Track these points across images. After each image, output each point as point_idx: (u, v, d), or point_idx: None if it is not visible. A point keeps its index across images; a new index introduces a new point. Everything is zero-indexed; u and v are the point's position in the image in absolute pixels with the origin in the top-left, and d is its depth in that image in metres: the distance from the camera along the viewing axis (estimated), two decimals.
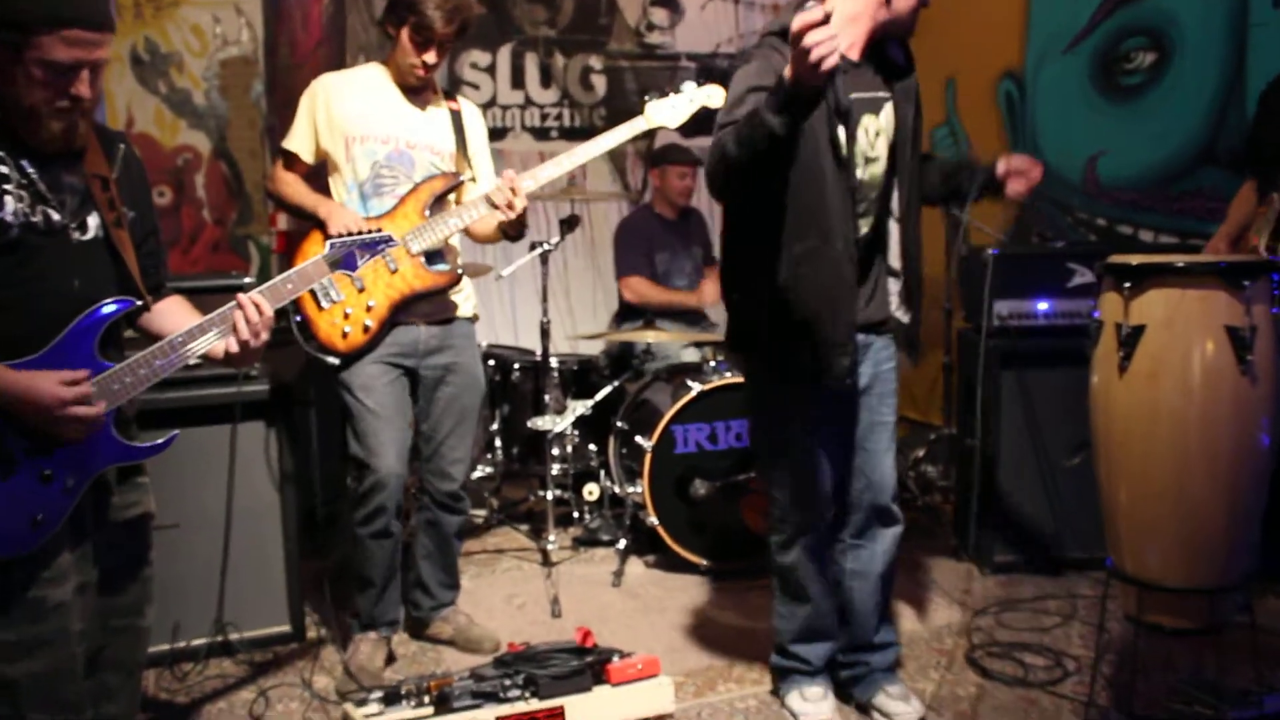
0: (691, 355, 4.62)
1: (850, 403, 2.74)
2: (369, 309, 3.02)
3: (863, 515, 2.81)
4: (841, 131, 2.51)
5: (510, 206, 2.97)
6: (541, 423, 4.15)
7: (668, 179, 4.84)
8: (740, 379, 3.90)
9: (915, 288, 2.74)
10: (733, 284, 2.74)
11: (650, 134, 3.28)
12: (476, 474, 4.50)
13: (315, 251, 2.28)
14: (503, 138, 6.13)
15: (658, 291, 4.74)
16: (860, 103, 2.58)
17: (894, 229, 2.70)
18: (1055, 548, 3.86)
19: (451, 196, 3.18)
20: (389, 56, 3.13)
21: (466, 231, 3.23)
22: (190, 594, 3.17)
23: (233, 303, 2.08)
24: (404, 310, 3.07)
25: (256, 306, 2.08)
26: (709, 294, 4.74)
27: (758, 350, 2.71)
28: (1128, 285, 2.49)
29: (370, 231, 2.27)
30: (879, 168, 2.64)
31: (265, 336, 2.10)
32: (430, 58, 3.03)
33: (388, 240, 2.27)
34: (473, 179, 3.21)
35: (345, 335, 3.01)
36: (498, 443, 4.58)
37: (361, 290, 3.01)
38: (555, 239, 4.02)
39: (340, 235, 2.24)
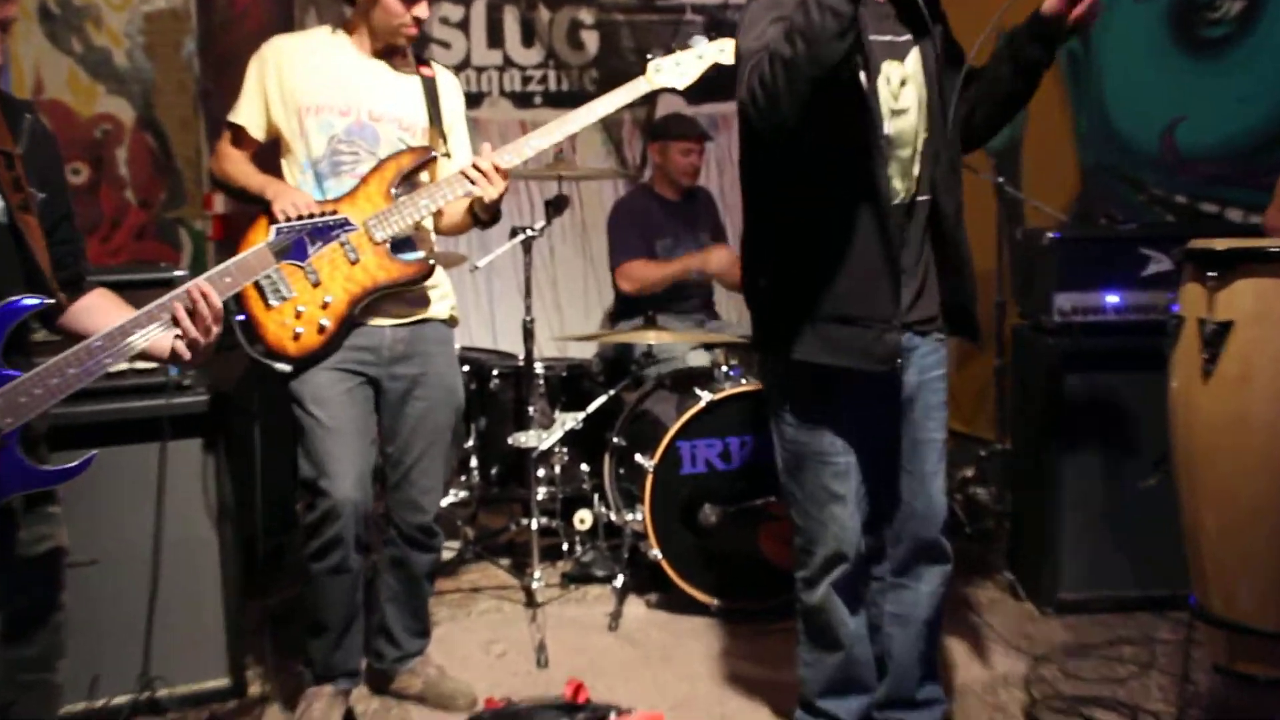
0: (700, 359, 4.61)
1: (893, 412, 2.73)
2: (325, 306, 3.01)
3: (906, 549, 2.80)
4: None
5: (490, 182, 2.98)
6: (525, 439, 4.14)
7: (670, 155, 4.84)
8: (757, 386, 3.89)
9: (962, 261, 2.71)
10: (757, 268, 2.73)
11: (650, 102, 3.28)
12: (449, 499, 4.49)
13: (261, 240, 2.27)
14: (478, 105, 6.13)
15: (657, 268, 4.72)
16: (880, 46, 2.59)
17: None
18: (1129, 583, 3.85)
19: (425, 175, 3.18)
20: (354, 22, 3.13)
21: (435, 221, 3.23)
22: (111, 643, 3.16)
23: (171, 294, 2.08)
24: (366, 308, 3.07)
25: (205, 297, 2.08)
26: (718, 258, 4.71)
27: (784, 343, 2.69)
28: (1212, 274, 2.49)
29: (324, 214, 2.26)
30: (907, 122, 2.63)
31: (217, 330, 2.11)
32: (422, 10, 3.06)
33: (343, 224, 2.27)
34: (446, 154, 3.20)
35: (297, 337, 3.01)
36: (473, 462, 4.57)
37: (316, 285, 3.00)
38: (540, 223, 4.01)
39: (287, 219, 2.24)
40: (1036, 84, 2.67)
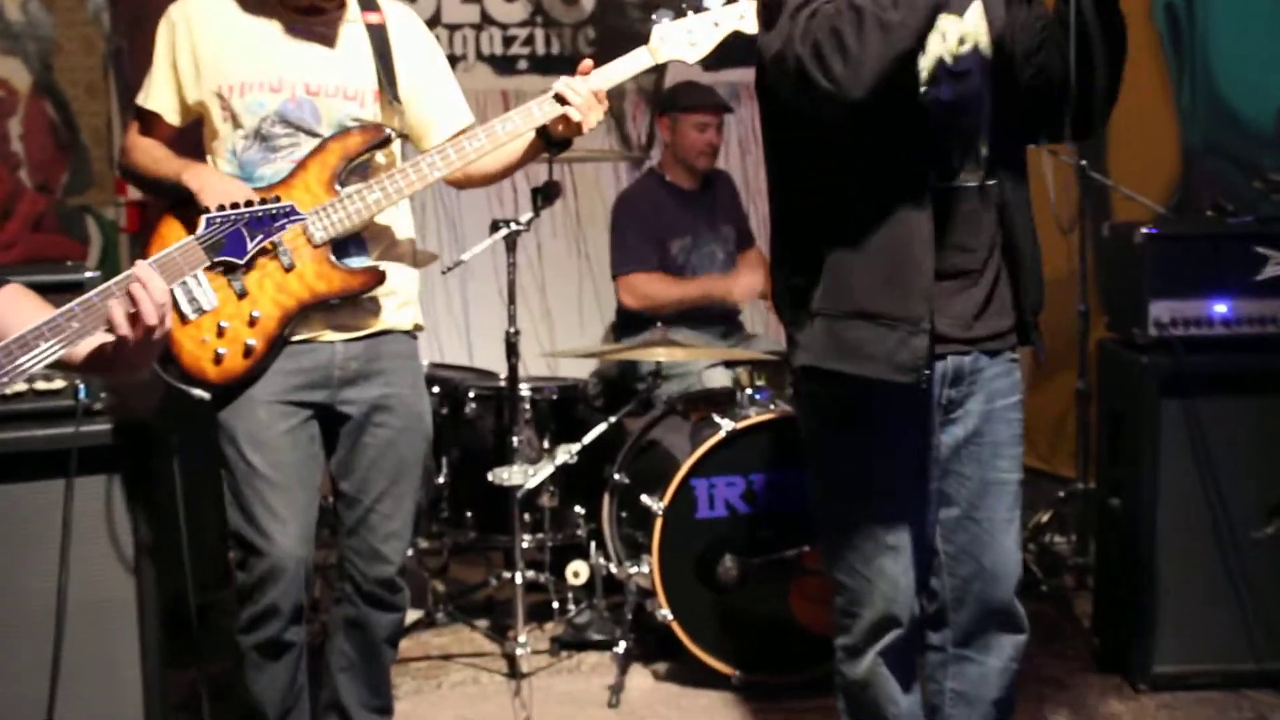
0: (719, 379, 4.62)
1: (949, 441, 2.73)
2: (252, 322, 3.00)
3: (971, 615, 2.77)
4: None
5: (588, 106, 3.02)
6: (507, 475, 4.15)
7: (683, 131, 4.85)
8: (788, 411, 3.90)
9: (1028, 255, 2.70)
10: (787, 265, 2.73)
11: (659, 70, 3.29)
12: (417, 548, 4.50)
13: (175, 238, 2.28)
14: (452, 70, 6.15)
15: (671, 287, 4.75)
16: None
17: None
18: (1240, 655, 3.85)
19: (381, 158, 3.18)
20: None
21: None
22: (6, 717, 3.16)
23: (94, 291, 2.07)
24: (301, 324, 3.05)
25: (146, 285, 2.08)
26: (744, 287, 4.73)
27: (814, 351, 2.68)
28: None
29: (263, 201, 2.27)
30: (969, 88, 2.63)
31: (168, 325, 2.11)
32: None
33: (289, 213, 2.26)
34: (403, 135, 3.19)
35: (219, 359, 3.00)
36: (444, 502, 4.58)
37: (243, 296, 2.98)
38: (526, 215, 4.02)
39: (220, 209, 2.24)
40: (1118, 42, 2.60)
